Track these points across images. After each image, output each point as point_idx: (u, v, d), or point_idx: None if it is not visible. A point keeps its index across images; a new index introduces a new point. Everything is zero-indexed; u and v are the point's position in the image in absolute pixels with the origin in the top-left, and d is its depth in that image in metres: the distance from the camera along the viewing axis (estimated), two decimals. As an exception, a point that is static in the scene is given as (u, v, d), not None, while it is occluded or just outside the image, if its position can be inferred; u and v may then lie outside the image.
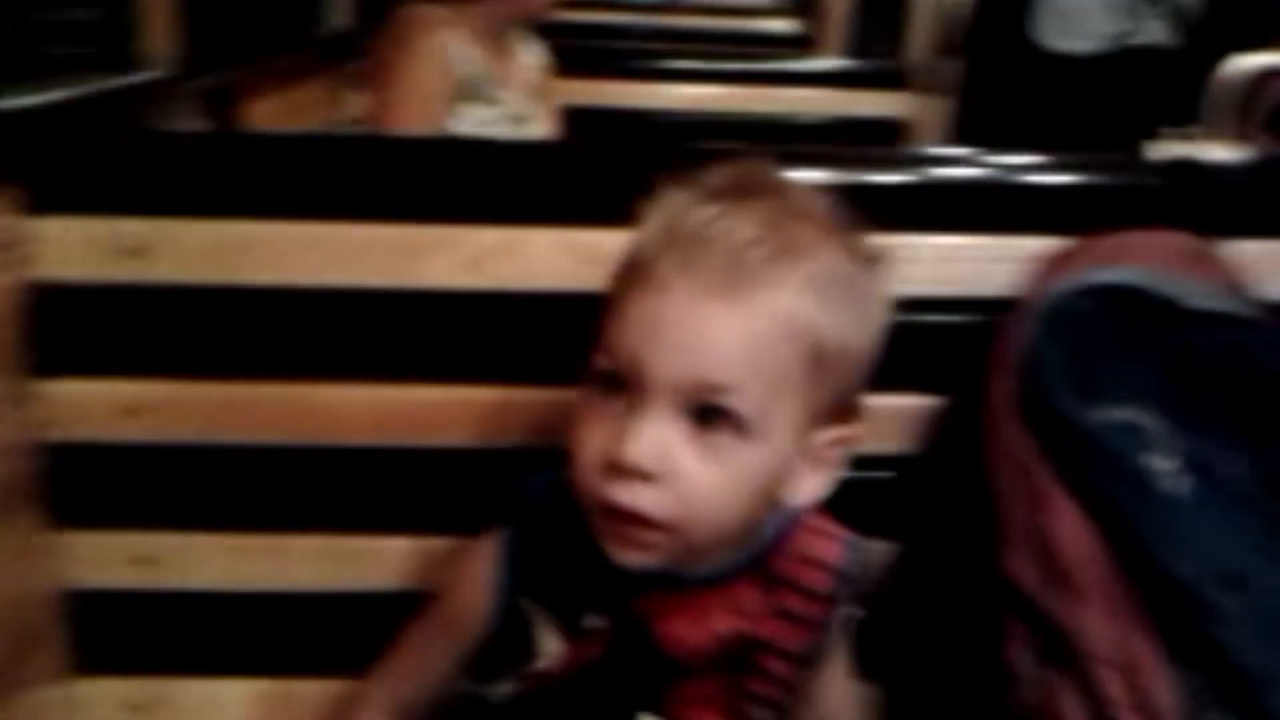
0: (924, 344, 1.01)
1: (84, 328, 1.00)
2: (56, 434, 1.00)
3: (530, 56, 2.16)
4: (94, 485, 1.03)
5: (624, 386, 0.76)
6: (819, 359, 0.76)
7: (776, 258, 0.75)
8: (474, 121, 1.99)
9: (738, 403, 0.74)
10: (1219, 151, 1.00)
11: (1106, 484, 0.87)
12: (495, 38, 2.03)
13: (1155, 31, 2.88)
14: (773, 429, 0.76)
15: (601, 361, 0.77)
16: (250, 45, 1.74)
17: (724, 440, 0.75)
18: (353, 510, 1.04)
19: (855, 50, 2.58)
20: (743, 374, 0.74)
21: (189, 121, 1.43)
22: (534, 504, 0.87)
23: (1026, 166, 1.02)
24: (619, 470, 0.75)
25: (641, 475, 0.74)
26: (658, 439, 0.74)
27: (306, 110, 1.99)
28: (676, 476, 0.75)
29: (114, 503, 1.03)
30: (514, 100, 2.05)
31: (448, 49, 1.94)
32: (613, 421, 0.76)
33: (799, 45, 2.67)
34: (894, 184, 1.01)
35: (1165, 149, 1.01)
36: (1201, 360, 0.92)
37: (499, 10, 2.01)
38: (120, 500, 1.03)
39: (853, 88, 2.43)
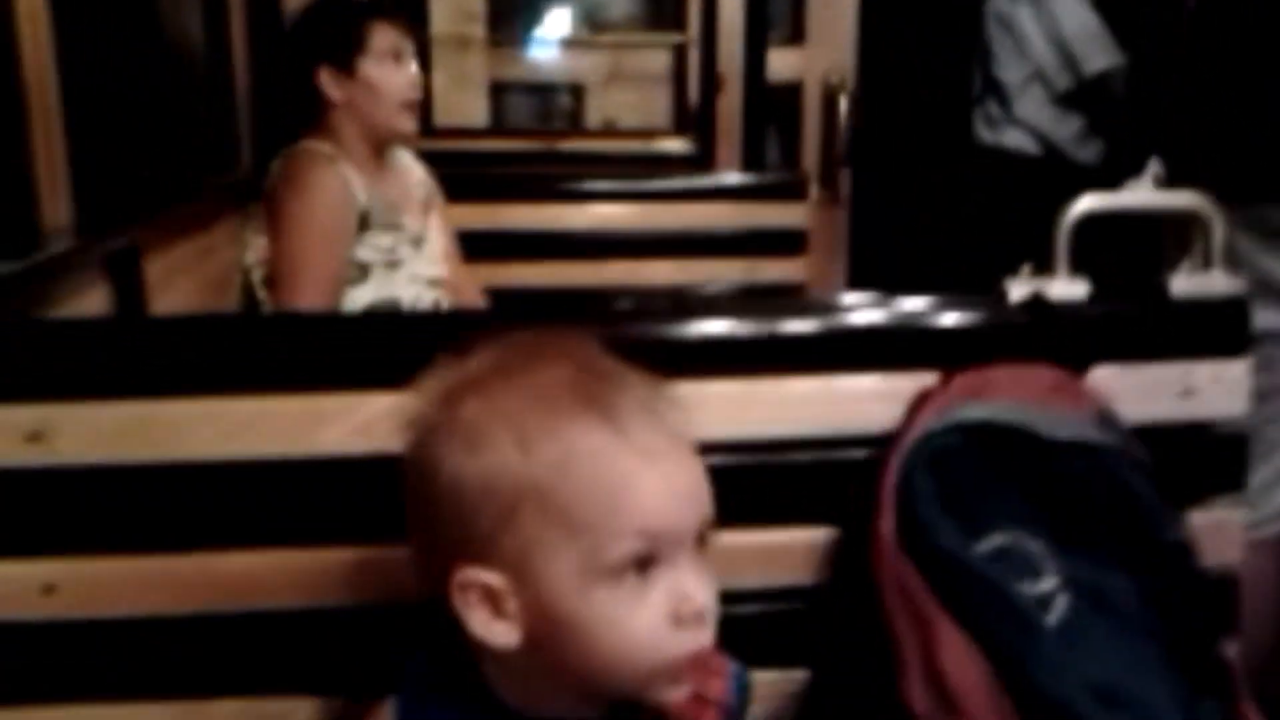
0: (816, 479, 1.06)
1: (-9, 511, 1.01)
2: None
3: (415, 175, 2.20)
4: (14, 666, 1.03)
5: (654, 556, 0.79)
6: None
7: (665, 392, 0.83)
8: (378, 249, 2.02)
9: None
10: (1069, 286, 1.06)
11: (987, 613, 0.91)
12: (377, 164, 2.07)
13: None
14: None
15: (626, 549, 0.78)
16: (152, 200, 1.75)
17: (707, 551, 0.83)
18: (268, 673, 1.05)
19: (749, 165, 2.66)
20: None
21: (92, 284, 1.44)
22: (417, 674, 0.88)
23: (903, 311, 1.08)
24: (697, 620, 0.80)
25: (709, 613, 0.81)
26: (702, 575, 0.81)
27: (211, 255, 2.01)
28: (713, 600, 0.82)
29: (37, 682, 1.04)
30: (411, 223, 2.09)
31: (347, 181, 1.97)
32: (651, 588, 0.79)
33: (695, 163, 2.75)
34: (789, 333, 1.06)
35: (1023, 285, 1.06)
36: (1069, 487, 0.97)
37: (365, 133, 2.03)
38: (44, 678, 1.04)
39: (754, 201, 2.50)
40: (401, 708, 0.88)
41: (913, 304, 1.07)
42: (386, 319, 1.08)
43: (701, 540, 0.82)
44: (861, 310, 1.08)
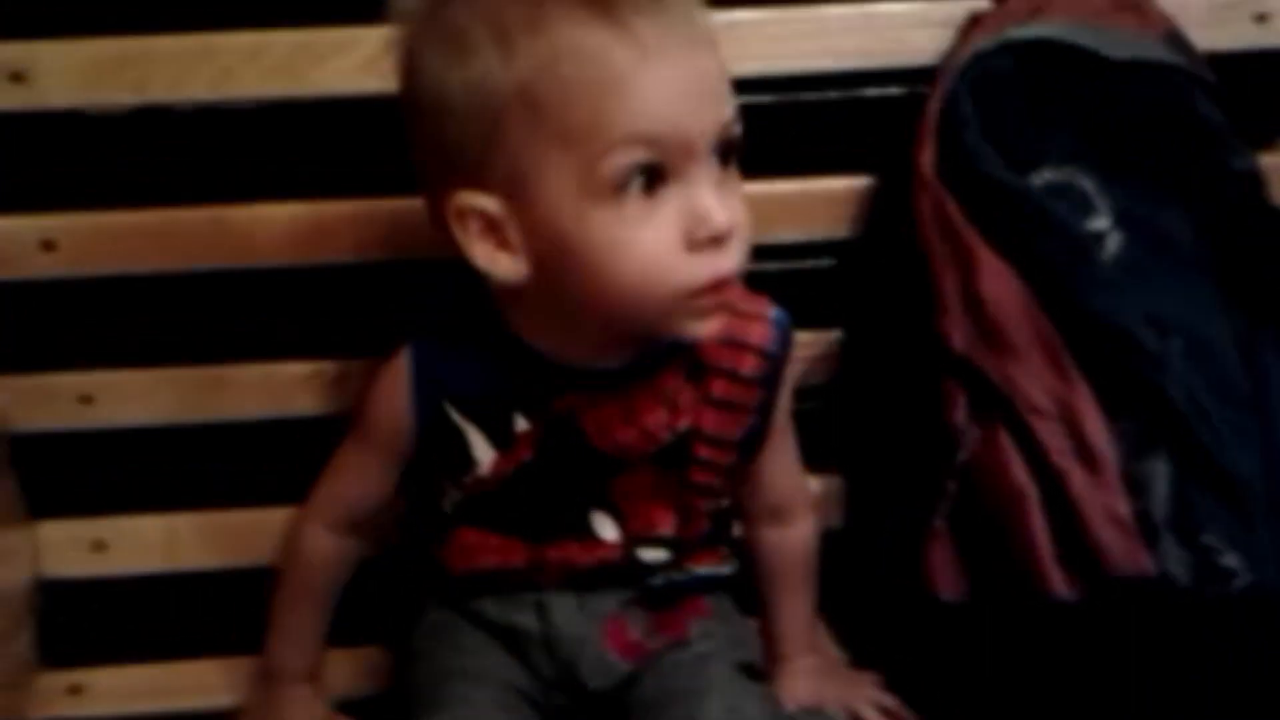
0: (855, 119, 0.99)
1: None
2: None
3: None
4: (18, 324, 1.00)
5: (661, 169, 0.71)
6: None
7: None
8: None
9: (739, 127, 0.74)
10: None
11: (1036, 241, 0.86)
12: None
13: None
14: None
15: (626, 158, 0.70)
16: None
17: (735, 171, 0.75)
18: (282, 335, 1.02)
19: None
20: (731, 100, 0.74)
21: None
22: (437, 313, 0.84)
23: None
24: (716, 242, 0.72)
25: (730, 236, 0.73)
26: (725, 195, 0.73)
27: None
28: (740, 224, 0.73)
29: (41, 342, 1.01)
30: None
31: None
32: (661, 206, 0.71)
33: None
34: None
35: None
36: (1128, 112, 0.90)
37: None
38: (47, 339, 1.01)
39: None
40: (416, 354, 0.84)
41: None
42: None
43: (726, 152, 0.73)
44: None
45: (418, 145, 0.77)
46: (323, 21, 0.94)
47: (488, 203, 0.73)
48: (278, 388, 1.03)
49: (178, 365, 1.02)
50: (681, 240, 0.71)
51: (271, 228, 0.98)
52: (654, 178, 0.70)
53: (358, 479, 0.90)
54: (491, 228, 0.73)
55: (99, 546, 1.06)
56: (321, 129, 0.97)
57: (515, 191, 0.72)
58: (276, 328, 1.02)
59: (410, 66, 0.75)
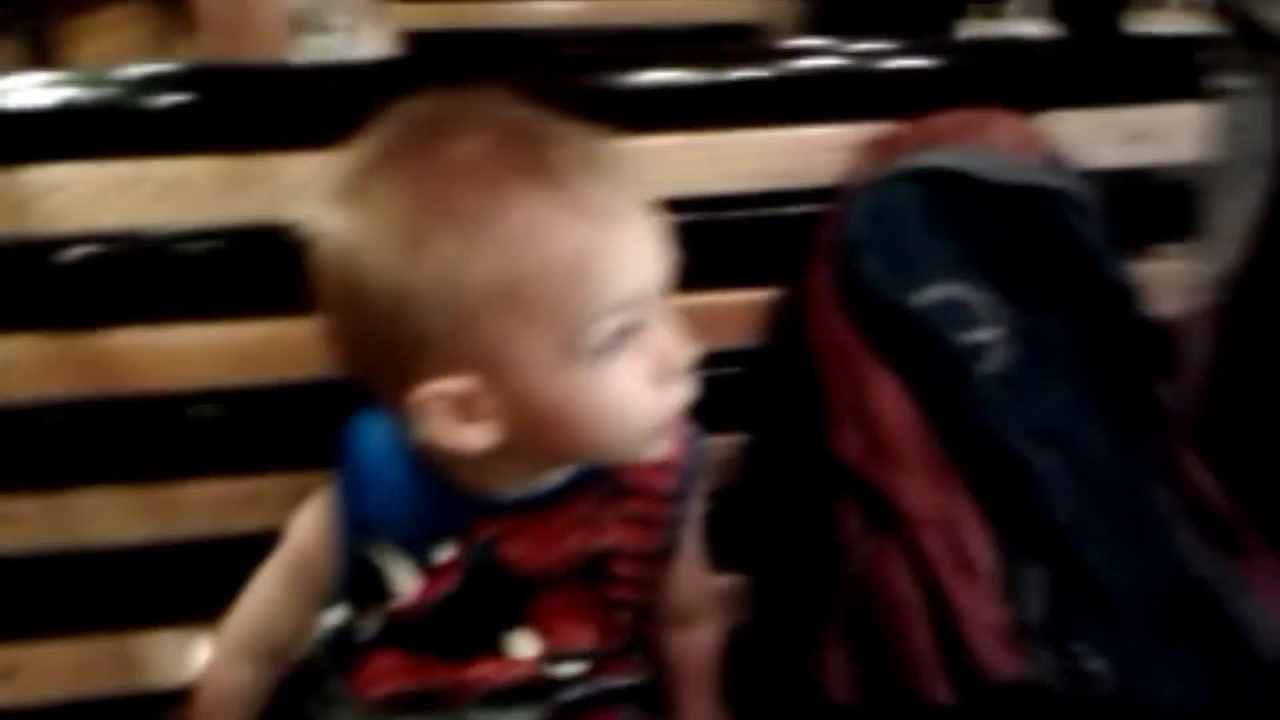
0: (757, 238, 1.03)
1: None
2: None
3: None
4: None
5: (631, 324, 0.74)
6: None
7: (608, 144, 0.76)
8: (317, 50, 1.92)
9: None
10: (1029, 27, 1.01)
11: (926, 360, 0.90)
12: None
13: None
14: None
15: (609, 326, 0.72)
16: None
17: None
18: (191, 457, 1.02)
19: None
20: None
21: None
22: (363, 446, 0.86)
23: (849, 52, 1.03)
24: (678, 374, 0.76)
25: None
26: (676, 328, 0.77)
27: (140, 51, 1.91)
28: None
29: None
30: (346, 19, 1.99)
31: None
32: (628, 352, 0.74)
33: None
34: (728, 81, 1.01)
35: (977, 26, 1.01)
36: (1012, 232, 0.94)
37: None
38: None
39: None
40: (343, 491, 0.86)
41: (858, 47, 1.02)
42: (311, 71, 0.99)
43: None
44: (806, 56, 1.03)
45: (361, 346, 0.75)
46: (244, 150, 0.95)
47: (456, 385, 0.72)
48: (194, 508, 1.03)
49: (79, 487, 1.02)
50: (650, 378, 0.75)
51: (185, 351, 0.99)
52: (627, 330, 0.74)
53: (278, 610, 0.91)
54: (461, 406, 0.73)
55: (10, 673, 1.05)
56: (242, 255, 0.98)
57: (491, 369, 0.72)
58: (181, 448, 1.03)
59: (347, 266, 0.72)
